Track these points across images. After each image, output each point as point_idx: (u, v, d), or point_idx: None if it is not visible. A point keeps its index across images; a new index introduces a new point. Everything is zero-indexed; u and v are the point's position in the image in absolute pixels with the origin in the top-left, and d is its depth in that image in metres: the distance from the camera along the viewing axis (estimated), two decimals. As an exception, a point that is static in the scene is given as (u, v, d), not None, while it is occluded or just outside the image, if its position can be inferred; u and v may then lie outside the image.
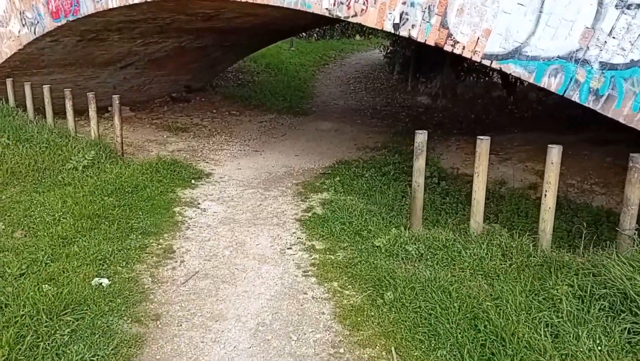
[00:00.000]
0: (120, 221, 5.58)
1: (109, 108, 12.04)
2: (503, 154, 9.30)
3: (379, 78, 17.70)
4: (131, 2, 7.17)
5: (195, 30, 10.55)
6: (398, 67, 17.30)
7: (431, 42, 5.24)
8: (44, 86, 8.70)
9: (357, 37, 26.86)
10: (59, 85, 10.64)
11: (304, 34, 24.83)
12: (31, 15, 8.30)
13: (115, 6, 7.33)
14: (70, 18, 7.83)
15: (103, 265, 4.69)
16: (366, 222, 5.63)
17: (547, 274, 4.24)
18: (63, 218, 5.53)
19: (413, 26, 5.31)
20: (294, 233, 5.64)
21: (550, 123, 11.12)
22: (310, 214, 6.17)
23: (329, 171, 8.23)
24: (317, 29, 25.32)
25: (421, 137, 5.40)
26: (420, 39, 5.28)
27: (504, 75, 13.72)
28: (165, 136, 10.37)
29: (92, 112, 8.10)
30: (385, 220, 5.78)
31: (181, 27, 10.00)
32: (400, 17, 5.36)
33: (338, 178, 7.51)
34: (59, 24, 7.99)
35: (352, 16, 5.65)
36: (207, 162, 8.70)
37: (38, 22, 8.25)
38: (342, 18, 5.76)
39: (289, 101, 14.49)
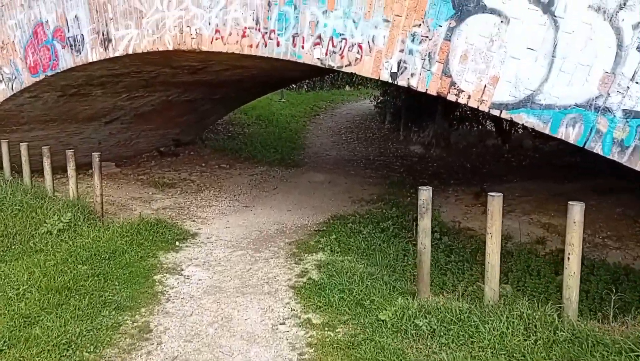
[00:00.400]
0: (92, 294, 4.94)
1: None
2: (505, 206, 8.74)
3: (371, 128, 17.41)
4: (112, 55, 6.75)
5: (182, 83, 10.17)
6: (389, 116, 17.03)
7: (433, 92, 4.79)
8: (20, 143, 8.17)
9: (347, 87, 26.85)
10: (40, 142, 10.12)
11: (294, 85, 24.77)
12: (9, 70, 7.86)
13: (95, 59, 6.92)
14: (49, 73, 7.39)
15: (67, 350, 4.02)
16: (368, 289, 5.02)
17: (581, 353, 3.64)
18: (28, 292, 4.88)
19: (412, 75, 4.88)
20: (287, 303, 5.00)
21: (549, 171, 10.71)
22: (305, 280, 5.55)
23: (324, 228, 7.66)
24: (307, 81, 25.31)
25: (425, 193, 4.88)
26: (421, 89, 4.84)
27: (497, 123, 13.43)
28: (150, 193, 9.79)
29: (71, 171, 7.55)
30: (388, 286, 5.18)
31: (167, 80, 9.62)
32: (398, 66, 4.94)
33: (334, 236, 6.93)
34: (37, 79, 7.55)
35: (345, 65, 5.22)
36: (193, 221, 8.11)
37: (15, 78, 7.81)
38: (335, 68, 5.33)
39: (280, 152, 14.06)
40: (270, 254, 6.55)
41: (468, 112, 13.75)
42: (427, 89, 4.80)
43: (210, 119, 14.32)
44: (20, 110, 8.84)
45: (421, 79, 4.81)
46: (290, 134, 16.21)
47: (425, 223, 4.83)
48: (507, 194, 9.68)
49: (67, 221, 6.65)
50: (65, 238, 6.39)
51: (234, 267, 6.06)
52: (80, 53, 7.01)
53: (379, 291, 4.96)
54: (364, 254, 6.45)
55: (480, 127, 14.10)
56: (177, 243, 6.83)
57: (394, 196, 9.87)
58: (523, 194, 9.36)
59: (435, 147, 13.78)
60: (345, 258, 6.30)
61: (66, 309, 4.62)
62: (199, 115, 13.12)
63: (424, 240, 4.84)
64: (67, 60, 7.20)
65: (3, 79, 7.96)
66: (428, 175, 11.84)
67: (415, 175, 11.98)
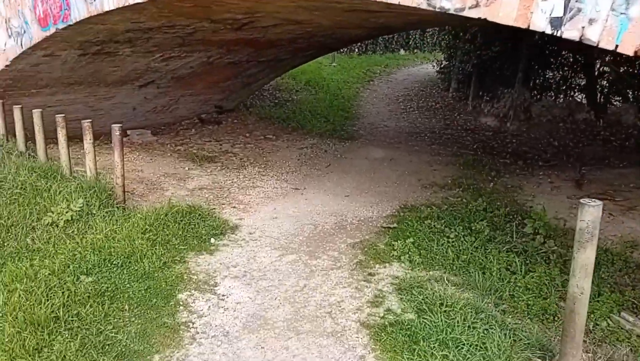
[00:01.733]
0: (89, 329, 3.52)
1: (128, 132, 10.22)
2: (621, 200, 6.91)
3: (432, 96, 15.44)
4: (132, 2, 5.19)
5: (226, 43, 8.57)
6: (455, 83, 15.01)
7: (628, 50, 2.97)
8: (33, 110, 6.81)
9: (402, 51, 24.70)
10: (67, 107, 8.82)
11: (344, 49, 22.85)
12: (17, 23, 6.47)
13: (112, 8, 5.37)
14: (61, 25, 5.92)
15: None
16: (480, 338, 3.39)
17: None
18: None
19: (591, 22, 3.06)
20: (361, 357, 3.44)
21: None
22: (382, 313, 3.97)
23: (394, 224, 6.03)
24: (359, 44, 23.31)
25: (594, 212, 3.06)
26: (606, 44, 3.02)
27: (590, 94, 11.31)
28: (187, 168, 8.36)
29: (88, 145, 6.13)
30: (507, 332, 3.53)
31: (207, 38, 8.04)
32: (565, 8, 3.13)
33: (411, 239, 5.29)
34: (48, 33, 6.11)
35: (469, 7, 3.43)
36: (234, 208, 6.63)
37: (25, 32, 6.41)
38: (451, 12, 3.55)
39: (332, 122, 12.38)
40: (329, 262, 4.99)
41: (552, 80, 11.66)
42: (617, 45, 2.97)
43: (256, 84, 12.73)
44: (37, 71, 7.48)
45: (608, 28, 2.99)
46: (343, 102, 14.46)
47: (587, 257, 3.08)
48: (619, 184, 7.80)
49: (78, 209, 5.27)
50: (72, 231, 5.02)
51: (284, 282, 4.53)
52: (94, 0, 5.49)
53: (497, 345, 3.32)
54: (454, 267, 4.82)
55: (567, 98, 11.99)
56: (212, 240, 5.36)
57: (473, 180, 8.11)
58: (638, 184, 7.44)
59: (512, 120, 11.79)
60: (431, 273, 4.68)
61: (46, 359, 3.20)
62: (243, 80, 11.54)
63: (582, 281, 3.12)
64: (80, 9, 5.70)
65: (12, 33, 6.58)
66: (508, 153, 9.95)
67: (493, 153, 10.11)
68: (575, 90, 11.83)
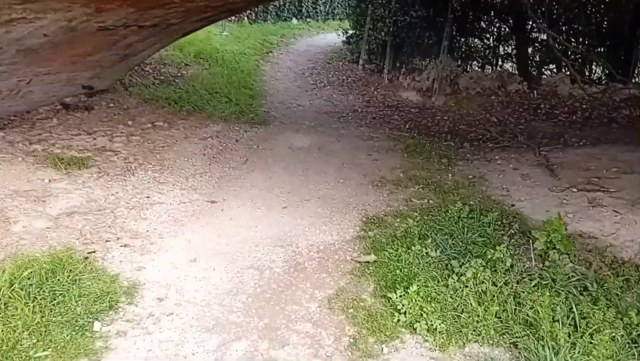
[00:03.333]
0: None
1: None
2: (616, 191, 5.68)
3: (341, 69, 13.71)
4: None
5: (91, -3, 6.02)
6: (365, 54, 13.38)
7: None
8: None
9: (294, 20, 22.66)
10: None
11: (233, 17, 20.33)
12: None
13: None
14: None
15: None
16: None
17: None
18: None
19: None
20: None
21: (622, 129, 7.75)
22: None
23: (371, 255, 4.20)
24: (249, 12, 20.89)
25: None
26: None
27: (520, 62, 10.25)
28: (47, 180, 5.77)
29: None
30: None
31: (63, -12, 5.47)
32: None
33: (414, 287, 3.47)
34: None
35: None
36: (125, 247, 4.34)
37: None
38: None
39: (235, 102, 10.17)
40: (306, 350, 3.02)
41: (480, 46, 10.45)
42: None
43: (135, 58, 10.02)
44: None
45: None
46: (244, 77, 12.21)
47: None
48: (595, 168, 6.66)
49: None
50: None
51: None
52: None
53: None
54: (491, 331, 3.12)
55: (495, 68, 10.88)
56: (97, 327, 3.12)
57: (427, 172, 6.58)
58: (621, 168, 6.32)
59: (438, 94, 10.45)
60: (467, 350, 2.93)
61: None
62: (119, 52, 8.83)
63: None
64: None
65: None
66: (447, 134, 8.54)
67: (430, 134, 8.66)
68: (504, 59, 10.78)
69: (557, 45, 8.90)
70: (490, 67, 11.15)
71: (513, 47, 10.98)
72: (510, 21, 10.51)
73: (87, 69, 8.93)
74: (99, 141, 7.46)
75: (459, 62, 10.83)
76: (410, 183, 6.15)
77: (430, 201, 5.57)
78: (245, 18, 20.79)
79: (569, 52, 9.13)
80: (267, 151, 7.51)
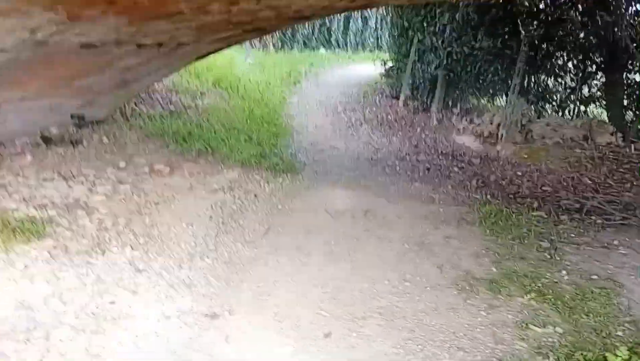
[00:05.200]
0: None
1: None
2: None
3: (380, 105, 11.74)
4: None
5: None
6: (407, 89, 11.40)
7: None
8: None
9: (322, 50, 20.93)
10: None
11: (256, 43, 18.70)
12: None
13: None
14: None
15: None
16: None
17: None
18: None
19: None
20: None
21: None
22: None
23: None
24: (276, 37, 19.27)
25: None
26: None
27: (612, 106, 8.17)
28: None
29: None
30: None
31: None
32: None
33: None
34: None
35: None
36: None
37: None
38: None
39: (257, 142, 8.22)
40: None
41: (557, 87, 8.41)
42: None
43: (138, 84, 8.16)
44: None
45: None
46: (268, 111, 10.29)
47: None
48: None
49: None
50: None
51: None
52: None
53: None
54: None
55: (576, 113, 8.81)
56: None
57: (530, 265, 4.44)
58: None
59: (504, 142, 8.36)
60: None
61: None
62: (117, 75, 6.97)
63: None
64: None
65: None
66: (532, 199, 6.42)
67: (508, 197, 6.56)
68: (587, 103, 8.73)
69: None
70: (570, 112, 9.10)
71: (599, 88, 8.92)
72: (599, 57, 8.50)
73: (76, 95, 7.06)
74: (75, 190, 5.49)
75: (533, 105, 8.79)
76: (512, 287, 4.03)
77: (558, 329, 3.44)
78: (271, 45, 19.17)
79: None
80: (297, 215, 5.47)
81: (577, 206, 6.05)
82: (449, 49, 9.42)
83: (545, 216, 5.76)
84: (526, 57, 7.99)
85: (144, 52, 6.39)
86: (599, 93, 8.95)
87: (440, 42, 9.68)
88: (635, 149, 7.36)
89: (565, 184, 6.91)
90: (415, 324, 3.44)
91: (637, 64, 7.73)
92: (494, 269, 4.35)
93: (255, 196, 5.95)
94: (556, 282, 4.19)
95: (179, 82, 11.00)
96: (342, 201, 6.01)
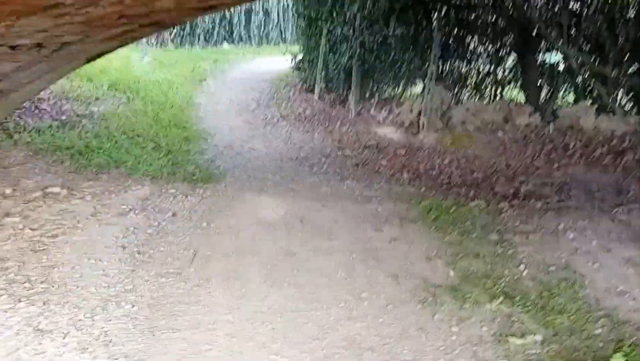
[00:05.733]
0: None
1: None
2: None
3: (294, 100, 11.17)
4: None
5: None
6: (321, 81, 10.95)
7: None
8: None
9: (225, 45, 19.97)
10: None
11: (154, 40, 17.39)
12: None
13: None
14: None
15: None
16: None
17: None
18: None
19: None
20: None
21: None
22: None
23: None
24: (173, 34, 18.06)
25: None
26: None
27: (528, 88, 8.22)
28: None
29: None
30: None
31: None
32: None
33: None
34: None
35: None
36: None
37: None
38: None
39: (166, 149, 7.35)
40: None
41: (473, 72, 8.32)
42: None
43: (18, 94, 6.95)
44: None
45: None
46: (175, 113, 9.37)
47: None
48: None
49: None
50: None
51: None
52: None
53: None
54: None
55: (492, 96, 8.78)
56: None
57: (485, 263, 4.15)
58: None
59: (426, 131, 8.17)
60: None
61: None
62: (-11, 83, 5.81)
63: None
64: None
65: None
66: (467, 188, 6.21)
67: (442, 188, 6.30)
68: (502, 86, 8.74)
69: (579, 67, 7.00)
70: (487, 95, 9.09)
71: (516, 71, 8.99)
72: (510, 39, 8.53)
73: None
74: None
75: (450, 91, 8.66)
76: (476, 291, 3.68)
77: (537, 337, 3.11)
78: (170, 42, 17.94)
79: (591, 75, 7.19)
80: (225, 234, 4.79)
81: (512, 191, 5.92)
82: (360, 38, 9.06)
83: (484, 205, 5.55)
84: (440, 43, 7.80)
85: (21, 55, 5.31)
86: (513, 75, 9.07)
87: (351, 31, 9.29)
88: (554, 128, 7.44)
89: (494, 169, 6.79)
90: (387, 355, 2.94)
91: (547, 43, 7.84)
92: (452, 273, 3.98)
93: (174, 214, 5.17)
94: (517, 279, 3.90)
95: (69, 87, 9.73)
96: (272, 211, 5.40)
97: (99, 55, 7.02)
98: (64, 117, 8.44)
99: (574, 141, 7.06)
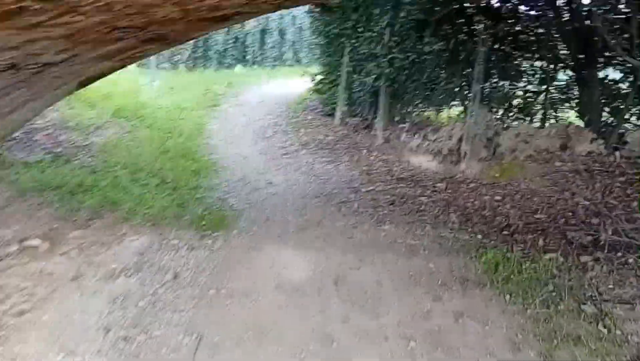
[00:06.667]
0: None
1: None
2: None
3: (313, 125, 10.15)
4: None
5: None
6: (343, 105, 9.93)
7: None
8: None
9: (238, 67, 19.15)
10: None
11: (166, 63, 16.63)
12: None
13: None
14: None
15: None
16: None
17: None
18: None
19: None
20: None
21: None
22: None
23: None
24: (186, 57, 17.32)
25: None
26: None
27: (587, 109, 7.10)
28: None
29: None
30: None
31: None
32: None
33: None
34: None
35: None
36: None
37: None
38: None
39: (172, 185, 6.33)
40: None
41: (521, 92, 7.24)
42: None
43: (4, 122, 5.99)
44: None
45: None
46: (183, 142, 8.39)
47: None
48: None
49: None
50: None
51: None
52: None
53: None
54: None
55: (545, 120, 7.66)
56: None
57: (597, 357, 2.96)
58: None
59: (468, 160, 7.06)
60: None
61: None
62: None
63: None
64: None
65: None
66: (532, 234, 5.06)
67: (501, 233, 5.16)
68: (556, 107, 7.64)
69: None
70: (539, 119, 7.97)
71: (570, 90, 7.86)
72: (566, 52, 7.42)
73: None
74: None
75: (495, 111, 7.53)
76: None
77: None
78: (182, 65, 17.17)
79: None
80: (238, 304, 3.71)
81: (590, 238, 4.75)
82: (390, 55, 8.03)
83: (562, 259, 4.39)
84: (485, 59, 6.75)
85: (9, 75, 4.35)
86: (566, 95, 7.95)
87: (379, 48, 8.27)
88: (621, 156, 6.29)
89: (558, 208, 5.63)
90: None
91: (610, 57, 6.71)
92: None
93: (175, 276, 4.10)
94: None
95: (69, 115, 8.82)
96: (298, 267, 4.31)
97: (94, 79, 6.04)
98: (59, 150, 7.48)
99: (622, 169, 5.93)
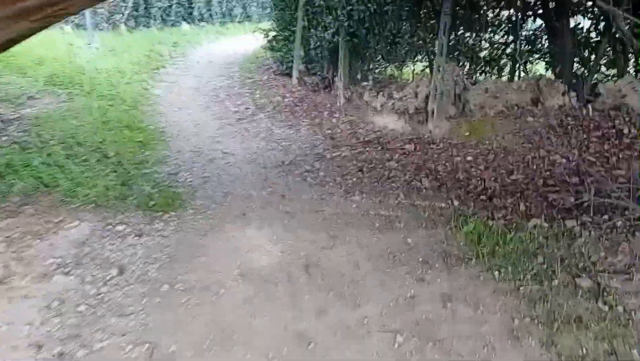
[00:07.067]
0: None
1: None
2: None
3: (269, 86, 9.47)
4: None
5: None
6: (300, 63, 9.28)
7: None
8: None
9: (184, 25, 17.87)
10: None
11: (105, 24, 15.29)
12: None
13: None
14: None
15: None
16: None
17: None
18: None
19: None
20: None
21: None
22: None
23: None
24: (125, 16, 15.95)
25: None
26: None
27: (560, 61, 6.75)
28: None
29: None
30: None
31: None
32: None
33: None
34: None
35: None
36: None
37: None
38: None
39: (116, 160, 5.65)
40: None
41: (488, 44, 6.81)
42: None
43: None
44: None
45: None
46: (127, 110, 7.59)
47: None
48: None
49: None
50: None
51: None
52: None
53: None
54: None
55: (515, 73, 7.26)
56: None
57: (603, 342, 2.67)
58: None
59: (436, 119, 6.65)
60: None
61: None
62: None
63: None
64: None
65: None
66: (511, 197, 4.74)
67: (479, 198, 4.81)
68: (527, 59, 7.24)
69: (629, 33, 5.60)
70: (505, 72, 7.57)
71: (542, 41, 7.48)
72: (535, 1, 7.00)
73: None
74: None
75: (465, 67, 7.09)
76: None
77: None
78: (122, 24, 15.81)
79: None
80: (197, 301, 3.20)
81: (573, 200, 4.46)
82: (348, 7, 7.41)
83: (546, 225, 4.08)
84: (452, 9, 6.24)
85: None
86: (535, 45, 7.56)
87: (336, 0, 7.63)
88: (594, 109, 6.02)
89: (535, 167, 5.34)
90: None
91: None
92: (562, 364, 2.52)
93: (121, 271, 3.54)
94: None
95: (-6, 84, 7.83)
96: (264, 251, 3.84)
97: (11, 43, 5.19)
98: (-17, 124, 6.59)
99: (626, 126, 5.68)
